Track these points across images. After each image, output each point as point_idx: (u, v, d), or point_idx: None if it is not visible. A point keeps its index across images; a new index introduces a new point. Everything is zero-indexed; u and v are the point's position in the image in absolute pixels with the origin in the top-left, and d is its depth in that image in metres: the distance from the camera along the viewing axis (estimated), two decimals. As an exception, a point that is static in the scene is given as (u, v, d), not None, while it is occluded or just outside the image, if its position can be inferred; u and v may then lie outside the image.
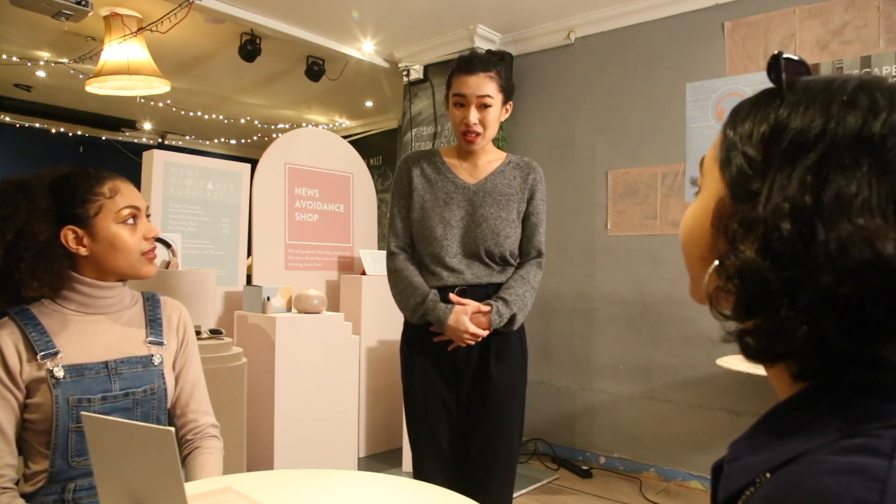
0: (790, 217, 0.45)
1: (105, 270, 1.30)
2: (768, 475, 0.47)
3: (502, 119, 1.82)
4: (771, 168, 0.48)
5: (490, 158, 1.84)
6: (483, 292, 1.76)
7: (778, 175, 0.47)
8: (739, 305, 0.49)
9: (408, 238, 1.86)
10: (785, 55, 0.52)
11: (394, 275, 1.83)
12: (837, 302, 0.43)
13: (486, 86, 1.73)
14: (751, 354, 0.49)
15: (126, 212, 1.29)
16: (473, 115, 1.73)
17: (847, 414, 0.46)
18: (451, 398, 1.77)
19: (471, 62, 1.75)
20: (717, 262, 0.51)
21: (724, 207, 0.52)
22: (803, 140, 0.47)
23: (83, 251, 1.27)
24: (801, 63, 0.54)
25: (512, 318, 1.73)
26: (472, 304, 1.71)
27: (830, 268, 0.43)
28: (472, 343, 1.71)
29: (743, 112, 0.53)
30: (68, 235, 1.25)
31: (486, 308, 1.71)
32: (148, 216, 1.36)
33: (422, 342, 1.78)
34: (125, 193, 1.31)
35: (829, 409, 0.47)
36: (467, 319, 1.69)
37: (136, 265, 1.31)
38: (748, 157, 0.50)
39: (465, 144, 1.78)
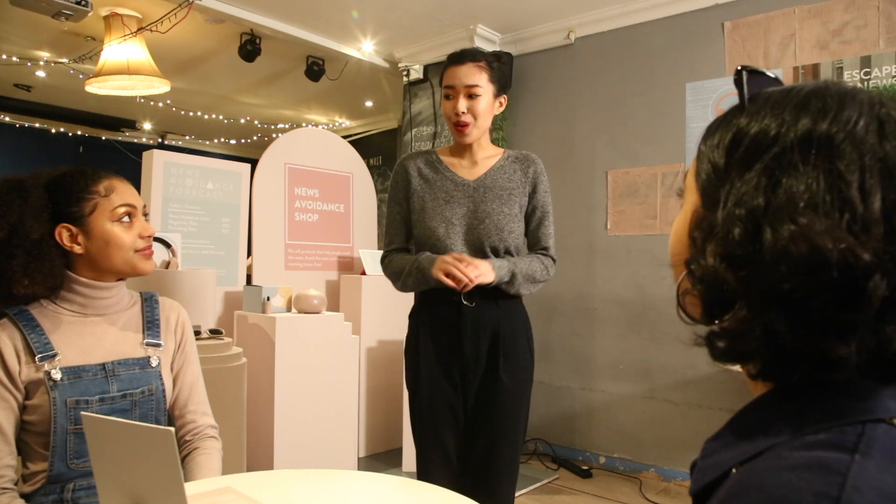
0: (742, 220, 0.48)
1: (101, 269, 1.30)
2: (734, 470, 0.48)
3: (496, 112, 1.81)
4: (731, 174, 0.51)
5: (488, 154, 1.84)
6: (490, 292, 1.74)
7: (735, 180, 0.50)
8: (703, 309, 0.52)
9: (403, 240, 1.86)
10: (750, 69, 0.55)
11: (387, 265, 1.87)
12: (784, 300, 0.45)
13: (473, 75, 1.73)
14: (715, 355, 0.51)
15: (121, 210, 1.29)
16: (462, 104, 1.73)
17: (813, 411, 0.47)
18: (458, 400, 1.76)
19: (460, 54, 1.76)
20: (686, 269, 0.54)
21: (698, 216, 0.54)
22: (758, 145, 0.50)
23: (78, 249, 1.27)
24: (768, 76, 0.56)
25: (512, 277, 1.71)
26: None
27: (775, 267, 0.45)
28: (469, 280, 1.61)
29: (714, 126, 0.56)
30: (63, 234, 1.26)
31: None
32: (146, 216, 1.36)
33: (429, 343, 1.77)
34: (121, 192, 1.31)
35: (796, 407, 0.48)
36: (450, 257, 1.66)
37: (131, 261, 1.31)
38: (713, 164, 0.53)
39: (457, 135, 1.78)
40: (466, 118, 1.74)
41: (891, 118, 0.48)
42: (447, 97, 1.77)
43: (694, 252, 0.52)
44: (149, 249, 1.35)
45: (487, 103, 1.76)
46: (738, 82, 0.54)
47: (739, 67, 0.55)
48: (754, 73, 0.55)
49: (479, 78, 1.73)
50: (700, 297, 0.51)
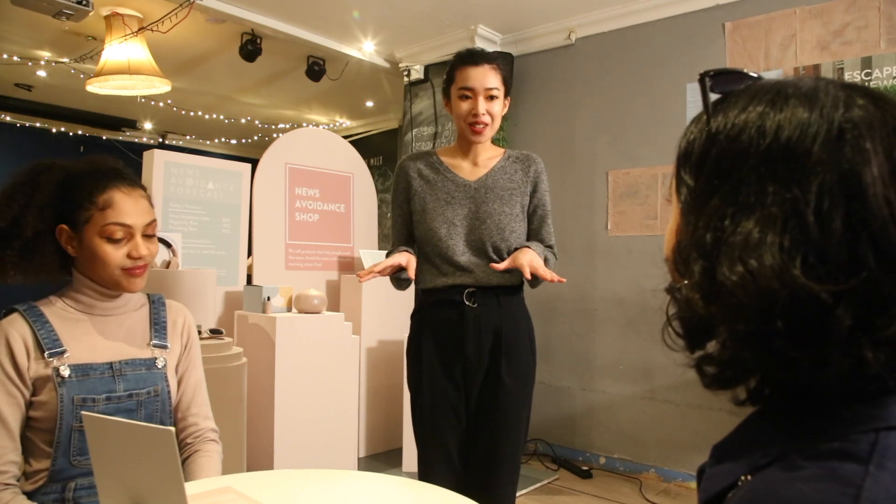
0: (701, 258, 0.47)
1: (91, 277, 1.30)
2: (746, 478, 0.47)
3: (503, 113, 1.82)
4: (699, 199, 0.49)
5: (489, 155, 1.84)
6: (492, 293, 1.75)
7: (703, 206, 0.48)
8: (683, 337, 0.51)
9: (404, 242, 1.86)
10: (712, 72, 0.53)
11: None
12: (747, 337, 0.44)
13: (491, 78, 1.75)
14: (705, 383, 0.50)
15: (110, 229, 1.24)
16: (482, 106, 1.74)
17: (825, 418, 0.46)
18: (460, 401, 1.76)
19: (474, 55, 1.77)
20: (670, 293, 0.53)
21: (679, 235, 0.53)
22: (719, 169, 0.48)
23: (72, 251, 1.27)
24: (734, 72, 0.54)
25: (545, 261, 1.73)
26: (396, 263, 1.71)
27: (732, 308, 0.44)
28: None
29: (684, 141, 0.55)
30: (62, 233, 1.26)
31: (527, 250, 1.70)
32: (149, 236, 1.31)
33: (431, 344, 1.77)
34: (119, 209, 1.25)
35: (807, 413, 0.47)
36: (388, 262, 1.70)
37: (116, 279, 1.27)
38: (687, 186, 0.51)
39: (473, 136, 1.77)
40: (486, 119, 1.75)
41: (851, 124, 0.44)
42: (464, 97, 1.76)
43: (677, 277, 0.51)
44: (138, 269, 1.29)
45: (502, 105, 1.79)
46: (703, 92, 0.53)
47: (701, 73, 0.52)
48: (722, 75, 0.53)
49: (496, 80, 1.75)
50: (681, 325, 0.50)
